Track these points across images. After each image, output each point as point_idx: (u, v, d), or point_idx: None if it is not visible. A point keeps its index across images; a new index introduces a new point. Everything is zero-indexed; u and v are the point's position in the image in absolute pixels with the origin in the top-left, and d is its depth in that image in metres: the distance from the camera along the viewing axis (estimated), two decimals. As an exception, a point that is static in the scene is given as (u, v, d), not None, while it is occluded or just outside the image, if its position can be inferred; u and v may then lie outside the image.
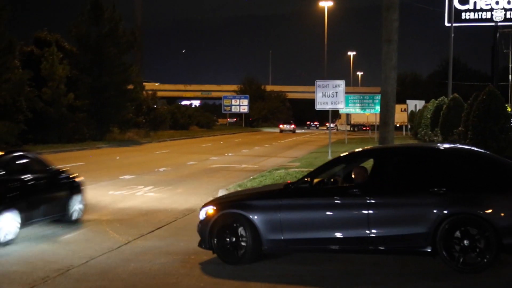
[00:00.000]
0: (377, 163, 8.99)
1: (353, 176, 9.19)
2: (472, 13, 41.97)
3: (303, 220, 8.73)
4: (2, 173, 10.75)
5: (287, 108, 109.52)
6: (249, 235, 8.85)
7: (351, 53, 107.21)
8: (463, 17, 42.13)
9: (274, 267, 8.89)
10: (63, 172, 12.78)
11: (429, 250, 8.21)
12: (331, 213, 8.67)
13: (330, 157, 25.21)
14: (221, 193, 16.04)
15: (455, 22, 40.76)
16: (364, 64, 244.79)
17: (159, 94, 75.77)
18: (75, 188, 12.74)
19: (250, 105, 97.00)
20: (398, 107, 54.30)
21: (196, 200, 15.53)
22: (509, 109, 24.70)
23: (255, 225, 8.82)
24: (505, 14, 41.63)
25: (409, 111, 60.59)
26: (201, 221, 9.33)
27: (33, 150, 34.35)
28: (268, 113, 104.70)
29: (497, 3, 41.73)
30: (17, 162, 11.44)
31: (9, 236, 10.38)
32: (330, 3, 59.57)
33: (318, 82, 28.68)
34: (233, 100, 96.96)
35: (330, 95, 28.28)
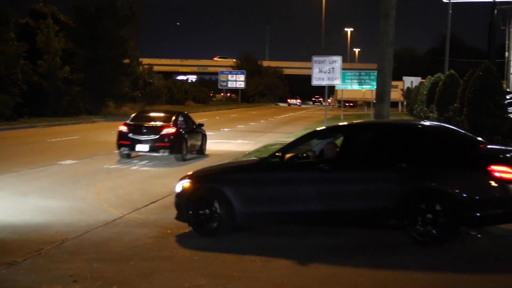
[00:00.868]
0: (346, 139, 9.19)
1: (324, 151, 9.39)
2: (470, -11, 41.64)
3: (272, 194, 8.93)
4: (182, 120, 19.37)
5: (284, 84, 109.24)
6: (223, 208, 9.03)
7: (348, 30, 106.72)
8: (461, -7, 41.83)
9: (268, 240, 8.93)
10: (201, 125, 20.56)
11: (394, 224, 8.41)
12: (299, 187, 8.86)
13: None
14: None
15: (453, -2, 40.47)
16: (361, 41, 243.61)
17: (156, 68, 75.45)
18: (205, 136, 20.91)
19: (247, 80, 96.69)
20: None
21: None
22: (504, 86, 24.69)
23: (229, 199, 8.99)
24: (503, -9, 41.32)
25: (405, 88, 60.52)
26: (177, 195, 9.51)
27: (29, 123, 34.39)
28: (264, 88, 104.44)
29: (495, -21, 41.32)
30: (181, 118, 19.50)
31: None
32: (328, -22, 59.02)
33: (315, 58, 28.55)
34: (229, 76, 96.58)
35: (326, 71, 28.17)
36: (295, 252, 8.32)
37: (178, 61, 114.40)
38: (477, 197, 8.13)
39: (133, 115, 20.27)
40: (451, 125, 22.63)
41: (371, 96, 43.68)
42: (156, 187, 13.93)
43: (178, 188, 9.52)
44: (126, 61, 48.26)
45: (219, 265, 7.78)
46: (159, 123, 18.75)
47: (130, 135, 18.50)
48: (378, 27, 14.94)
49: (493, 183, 8.08)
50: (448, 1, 40.31)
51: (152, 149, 18.31)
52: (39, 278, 7.28)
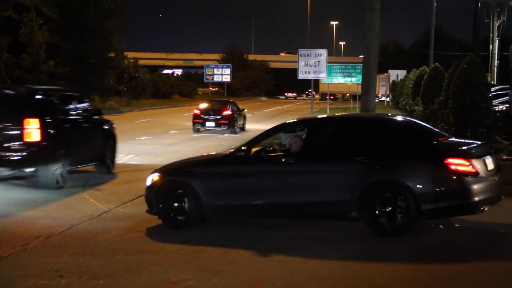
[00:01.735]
0: (310, 132, 9.32)
1: (290, 145, 9.53)
2: (455, -18, 41.68)
3: (238, 187, 9.09)
4: None
5: (270, 78, 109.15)
6: (191, 201, 9.15)
7: (334, 23, 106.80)
8: (446, -15, 41.85)
9: (255, 233, 8.97)
10: (243, 109, 27.07)
11: (355, 216, 8.56)
12: (264, 180, 9.02)
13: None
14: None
15: (438, -9, 40.46)
16: (347, 34, 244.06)
17: (141, 62, 74.98)
18: (245, 117, 28.65)
19: (233, 74, 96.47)
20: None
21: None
22: (489, 79, 24.85)
23: (196, 192, 9.12)
24: (487, -17, 41.46)
25: (391, 81, 60.72)
26: (147, 188, 9.60)
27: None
28: (250, 82, 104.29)
29: (480, -29, 41.47)
30: (233, 105, 26.99)
31: None
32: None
33: (301, 51, 28.63)
34: (215, 69, 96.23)
35: (312, 64, 28.24)
36: (281, 245, 8.36)
37: (163, 55, 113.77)
38: (434, 190, 8.27)
39: (201, 103, 29.69)
40: (436, 117, 22.84)
41: (357, 90, 43.90)
42: (142, 181, 13.86)
43: (148, 181, 9.64)
44: (111, 54, 47.95)
45: (206, 259, 7.78)
46: (220, 108, 27.83)
47: (202, 116, 27.80)
48: (363, 20, 14.98)
49: (450, 176, 8.24)
50: (432, -6, 40.33)
51: (216, 125, 27.39)
52: (24, 273, 7.23)
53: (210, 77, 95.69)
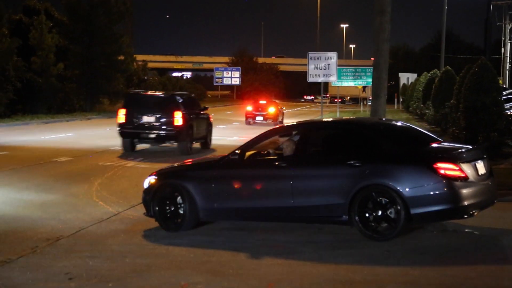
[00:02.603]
0: (302, 137, 9.38)
1: (283, 149, 9.56)
2: (466, -15, 41.51)
3: (232, 190, 9.19)
4: None
5: (279, 81, 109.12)
6: (187, 204, 9.23)
7: (344, 26, 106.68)
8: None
9: (263, 237, 8.94)
10: (283, 108, 33.41)
11: (346, 219, 8.59)
12: (257, 184, 9.11)
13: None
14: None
15: (448, -7, 40.26)
16: (357, 37, 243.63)
17: (150, 65, 75.15)
18: (283, 114, 38.36)
19: (242, 77, 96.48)
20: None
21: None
22: (501, 82, 24.69)
23: (192, 195, 9.21)
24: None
25: (401, 84, 60.54)
26: (145, 191, 9.70)
27: (22, 120, 34.23)
28: (259, 85, 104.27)
29: (491, -25, 41.24)
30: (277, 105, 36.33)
31: None
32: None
33: (311, 54, 28.55)
34: (224, 72, 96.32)
35: (322, 67, 28.16)
36: (290, 249, 8.33)
37: (172, 58, 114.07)
38: (424, 194, 8.29)
39: (250, 103, 38.68)
40: (447, 121, 22.70)
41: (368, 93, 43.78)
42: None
43: (146, 184, 9.71)
44: (121, 57, 48.08)
45: (215, 263, 7.74)
46: (266, 106, 36.76)
47: (253, 112, 36.52)
48: (373, 22, 14.88)
49: (439, 180, 8.25)
50: (443, -3, 40.14)
51: (264, 119, 35.83)
52: (34, 275, 7.22)
53: (220, 80, 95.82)
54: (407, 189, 8.30)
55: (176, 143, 19.63)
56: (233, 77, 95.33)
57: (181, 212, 9.29)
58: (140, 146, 20.66)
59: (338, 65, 30.19)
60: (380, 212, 8.43)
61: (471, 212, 8.41)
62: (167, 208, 9.38)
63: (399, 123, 10.08)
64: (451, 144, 9.87)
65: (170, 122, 19.17)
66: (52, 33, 41.79)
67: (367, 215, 8.47)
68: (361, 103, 62.06)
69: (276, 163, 9.13)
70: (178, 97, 20.27)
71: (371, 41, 15.35)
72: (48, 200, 11.74)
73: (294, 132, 9.89)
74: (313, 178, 8.82)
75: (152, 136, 19.41)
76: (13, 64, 36.45)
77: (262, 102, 38.38)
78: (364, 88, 60.19)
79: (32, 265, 7.62)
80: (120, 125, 19.51)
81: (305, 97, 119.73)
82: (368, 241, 8.56)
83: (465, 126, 17.02)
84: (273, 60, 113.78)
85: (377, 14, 14.68)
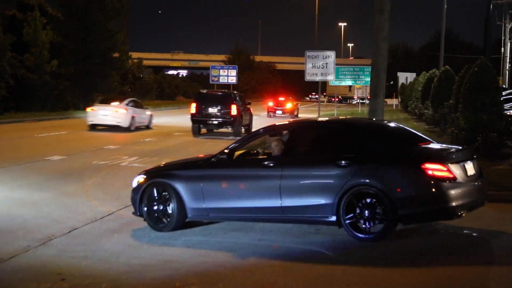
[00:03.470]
0: (291, 136, 9.32)
1: (271, 148, 9.49)
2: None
3: (220, 190, 9.12)
4: None
5: (277, 80, 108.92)
6: (175, 203, 9.20)
7: (342, 24, 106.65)
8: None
9: (259, 238, 8.81)
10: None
11: (333, 220, 8.51)
12: (245, 184, 9.05)
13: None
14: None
15: (448, -8, 40.10)
16: (355, 36, 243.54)
17: (145, 63, 74.97)
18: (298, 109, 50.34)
19: (239, 75, 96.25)
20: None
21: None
22: (500, 82, 24.58)
23: (180, 194, 9.18)
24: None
25: (399, 84, 60.52)
26: (133, 190, 9.66)
27: (15, 117, 33.96)
28: (256, 84, 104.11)
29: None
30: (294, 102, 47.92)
31: None
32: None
33: (308, 53, 28.39)
34: (221, 70, 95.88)
35: (320, 66, 28.00)
36: (286, 250, 8.24)
37: (168, 55, 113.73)
38: (412, 194, 8.23)
39: (270, 100, 47.85)
40: (446, 121, 22.58)
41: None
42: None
43: (134, 183, 9.66)
44: (115, 55, 47.81)
45: (210, 264, 7.61)
46: (285, 102, 46.05)
47: (274, 107, 45.80)
48: (372, 21, 14.72)
49: (426, 181, 8.17)
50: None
51: (283, 113, 44.08)
52: (26, 276, 7.09)
53: (216, 78, 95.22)
54: (394, 190, 8.22)
55: (231, 128, 26.82)
56: (229, 76, 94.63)
57: (170, 211, 9.23)
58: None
59: (336, 64, 30.01)
60: (367, 213, 8.35)
61: (459, 213, 8.32)
62: (155, 207, 9.32)
63: (390, 124, 10.01)
64: (440, 145, 9.76)
65: (228, 113, 26.38)
66: (46, 29, 41.46)
67: (354, 215, 8.40)
68: (347, 102, 62.47)
69: (265, 163, 9.03)
70: (233, 95, 27.74)
71: (370, 40, 15.19)
72: (40, 200, 11.56)
73: (284, 132, 9.80)
74: (301, 178, 8.73)
75: (215, 122, 26.60)
76: (7, 60, 36.15)
77: (281, 99, 47.61)
78: (350, 87, 60.71)
79: (25, 266, 7.47)
80: (192, 114, 26.62)
81: (310, 95, 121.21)
82: (365, 243, 8.44)
83: (464, 127, 16.90)
84: (270, 58, 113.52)
85: (376, 12, 14.52)
